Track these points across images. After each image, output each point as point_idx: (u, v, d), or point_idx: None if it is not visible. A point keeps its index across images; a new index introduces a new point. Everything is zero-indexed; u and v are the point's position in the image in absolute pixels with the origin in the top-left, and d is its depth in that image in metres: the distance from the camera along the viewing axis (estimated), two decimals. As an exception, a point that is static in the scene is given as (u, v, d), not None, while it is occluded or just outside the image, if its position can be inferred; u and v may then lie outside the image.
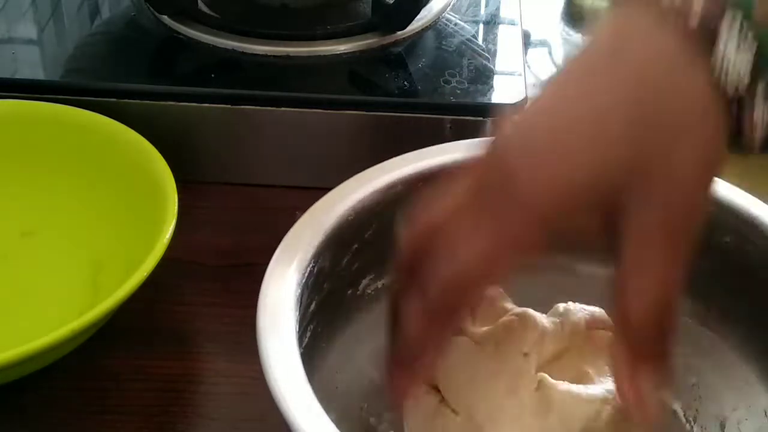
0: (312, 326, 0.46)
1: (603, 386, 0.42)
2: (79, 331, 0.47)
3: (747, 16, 0.33)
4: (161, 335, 0.55)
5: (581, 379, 0.42)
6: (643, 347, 0.36)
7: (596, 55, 0.36)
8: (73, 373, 0.52)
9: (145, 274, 0.49)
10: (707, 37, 0.34)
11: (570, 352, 0.44)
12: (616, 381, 0.38)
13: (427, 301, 0.37)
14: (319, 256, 0.46)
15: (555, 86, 0.36)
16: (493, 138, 0.37)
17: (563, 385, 0.41)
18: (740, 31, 0.33)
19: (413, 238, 0.38)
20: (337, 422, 0.38)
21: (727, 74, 0.34)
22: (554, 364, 0.43)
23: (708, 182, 0.36)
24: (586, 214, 0.36)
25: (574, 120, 0.35)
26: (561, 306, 0.45)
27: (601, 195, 0.35)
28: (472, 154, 0.37)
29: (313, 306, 0.46)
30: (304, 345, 0.43)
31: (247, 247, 0.61)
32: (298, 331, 0.42)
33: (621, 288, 0.36)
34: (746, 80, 0.34)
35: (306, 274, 0.45)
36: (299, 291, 0.44)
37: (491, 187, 0.35)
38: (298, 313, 0.43)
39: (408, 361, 0.39)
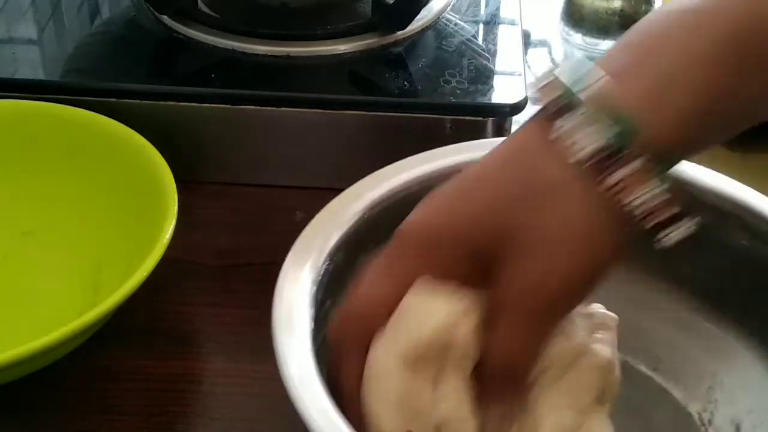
0: (326, 325, 0.46)
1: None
2: (79, 331, 0.47)
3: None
4: (161, 335, 0.55)
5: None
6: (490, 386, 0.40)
7: (496, 151, 0.41)
8: (73, 373, 0.52)
9: (145, 274, 0.49)
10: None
11: None
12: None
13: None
14: (334, 254, 0.46)
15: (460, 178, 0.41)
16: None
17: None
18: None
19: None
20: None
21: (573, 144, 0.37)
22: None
23: (579, 258, 0.38)
24: (455, 260, 0.40)
25: (455, 186, 0.41)
26: None
27: (469, 243, 0.39)
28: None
29: (327, 304, 0.46)
30: (318, 343, 0.43)
31: (247, 247, 0.61)
32: (313, 330, 0.42)
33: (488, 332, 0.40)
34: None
35: (321, 273, 0.45)
36: (314, 289, 0.44)
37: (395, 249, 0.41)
38: (313, 311, 0.43)
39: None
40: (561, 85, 0.38)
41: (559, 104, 0.38)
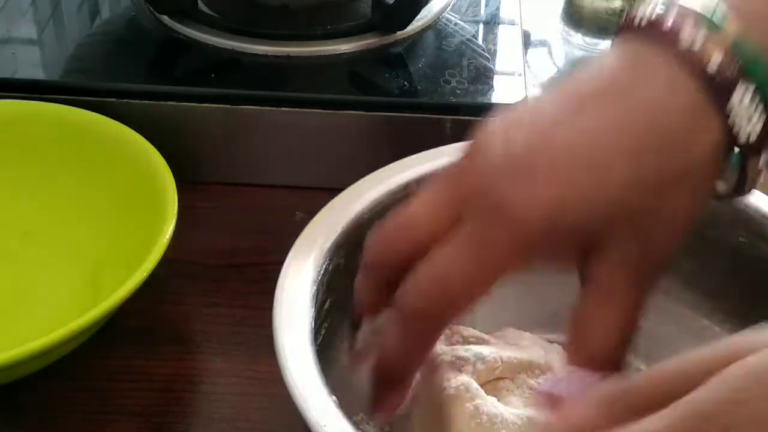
0: (326, 324, 0.46)
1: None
2: (79, 331, 0.47)
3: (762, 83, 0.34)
4: (161, 335, 0.55)
5: None
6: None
7: (608, 86, 0.35)
8: (73, 373, 0.52)
9: (145, 274, 0.49)
10: (722, 86, 0.34)
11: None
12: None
13: (406, 319, 0.36)
14: (334, 254, 0.46)
15: (555, 104, 0.35)
16: (477, 143, 0.36)
17: None
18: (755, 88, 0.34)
19: (389, 253, 0.37)
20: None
21: (740, 124, 0.34)
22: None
23: (690, 226, 0.36)
24: (566, 243, 0.35)
25: (578, 151, 0.34)
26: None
27: (590, 228, 0.35)
28: (451, 161, 0.37)
29: (327, 304, 0.46)
30: (318, 342, 0.43)
31: (247, 247, 0.61)
32: (314, 328, 0.42)
33: (586, 317, 0.36)
34: (758, 129, 0.34)
35: (321, 272, 0.45)
36: (315, 289, 0.44)
37: (478, 204, 0.35)
38: (313, 311, 0.43)
39: (389, 380, 0.38)
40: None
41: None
